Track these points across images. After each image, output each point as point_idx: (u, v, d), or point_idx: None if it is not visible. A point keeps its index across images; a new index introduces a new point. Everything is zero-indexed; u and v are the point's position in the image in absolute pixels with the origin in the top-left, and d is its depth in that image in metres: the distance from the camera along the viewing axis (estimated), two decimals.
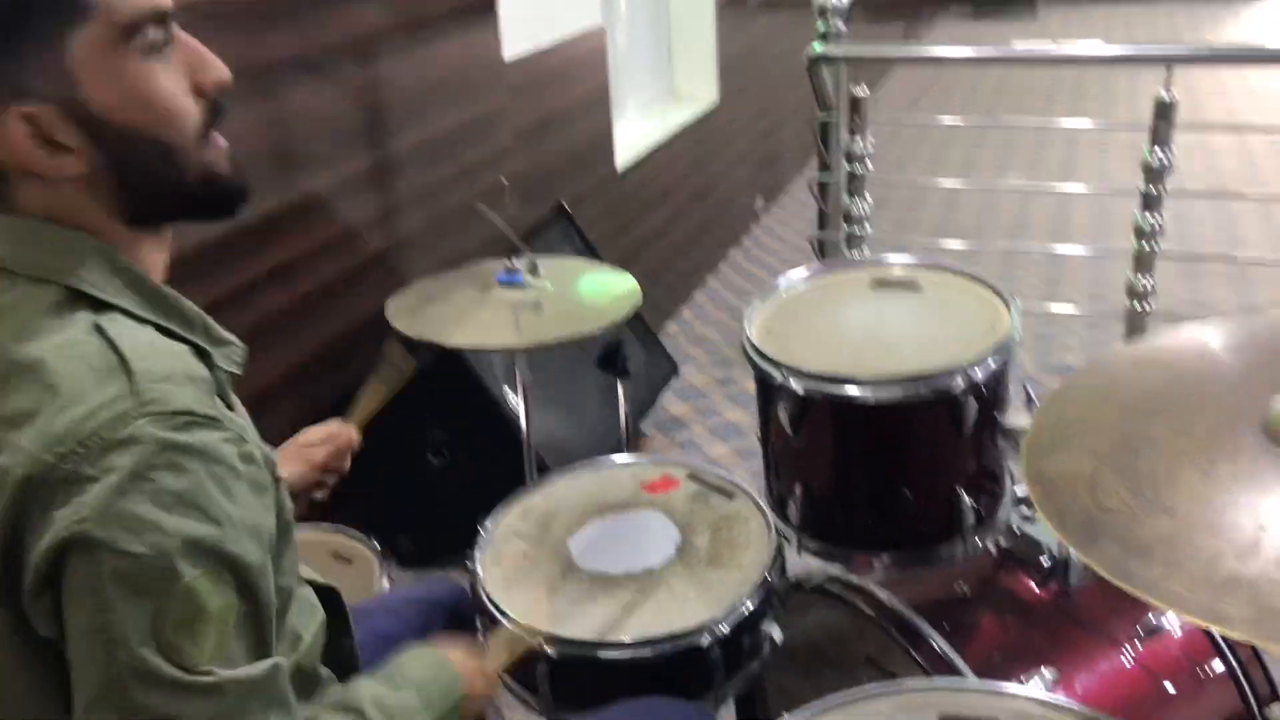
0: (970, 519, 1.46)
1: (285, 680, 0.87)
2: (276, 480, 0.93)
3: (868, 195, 3.16)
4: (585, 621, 1.39)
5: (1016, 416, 1.47)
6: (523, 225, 3.10)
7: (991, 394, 1.43)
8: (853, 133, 3.10)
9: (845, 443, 1.48)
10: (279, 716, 0.85)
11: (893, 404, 1.39)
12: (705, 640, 1.36)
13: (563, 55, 3.47)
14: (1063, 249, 4.49)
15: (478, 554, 1.52)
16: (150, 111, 0.86)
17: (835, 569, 1.55)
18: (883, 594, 1.48)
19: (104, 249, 0.88)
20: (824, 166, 3.40)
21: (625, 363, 1.75)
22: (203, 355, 0.90)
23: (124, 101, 0.84)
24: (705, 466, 1.66)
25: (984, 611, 1.52)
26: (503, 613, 1.41)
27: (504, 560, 1.52)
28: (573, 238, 2.90)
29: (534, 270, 1.73)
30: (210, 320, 0.94)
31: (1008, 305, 1.50)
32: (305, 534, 2.15)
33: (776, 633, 1.44)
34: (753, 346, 1.48)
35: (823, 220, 3.50)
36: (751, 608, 1.40)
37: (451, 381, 2.30)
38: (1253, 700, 1.43)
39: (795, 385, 1.41)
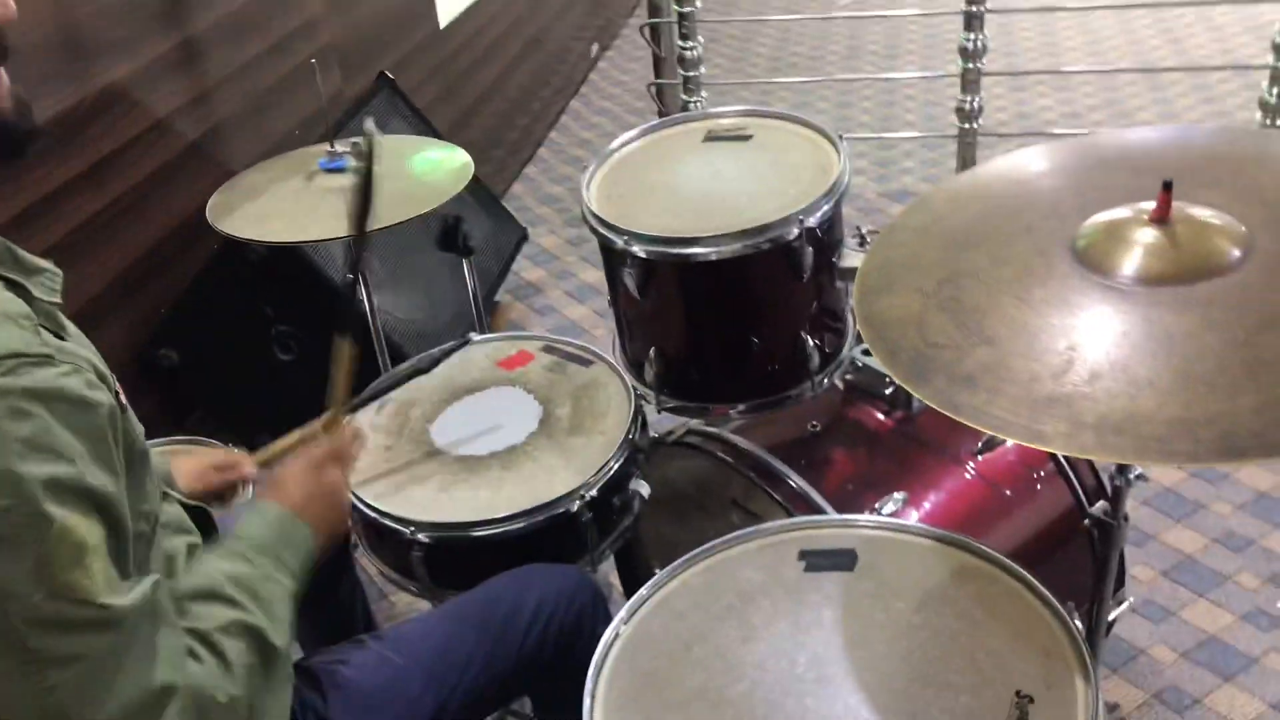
0: (816, 360, 1.51)
1: (167, 598, 0.88)
2: (123, 407, 0.91)
3: (700, 37, 3.12)
4: (454, 505, 1.41)
5: (852, 257, 1.51)
6: (346, 100, 2.96)
7: (826, 237, 1.46)
8: None
9: (692, 302, 1.50)
10: (168, 633, 0.85)
11: (733, 259, 1.40)
12: (575, 505, 1.39)
13: None
14: (894, 75, 4.55)
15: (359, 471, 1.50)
16: None
17: (695, 422, 1.60)
18: (740, 439, 1.53)
19: None
20: (654, 10, 3.34)
21: (467, 240, 1.71)
22: (16, 288, 0.85)
23: None
24: (558, 338, 1.67)
25: (835, 445, 1.59)
26: (374, 509, 1.41)
27: (366, 456, 1.51)
28: (399, 108, 2.78)
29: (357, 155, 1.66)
30: (18, 249, 0.89)
31: (836, 148, 1.52)
32: (167, 448, 2.09)
33: (644, 489, 1.49)
34: (593, 214, 1.47)
35: (658, 66, 3.46)
36: (616, 469, 1.44)
37: (290, 273, 2.22)
38: (1082, 495, 1.55)
39: (638, 250, 1.42)
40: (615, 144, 1.60)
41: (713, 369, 1.55)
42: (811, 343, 1.50)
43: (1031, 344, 1.00)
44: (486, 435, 1.52)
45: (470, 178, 1.69)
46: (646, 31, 3.34)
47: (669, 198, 1.50)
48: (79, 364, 0.83)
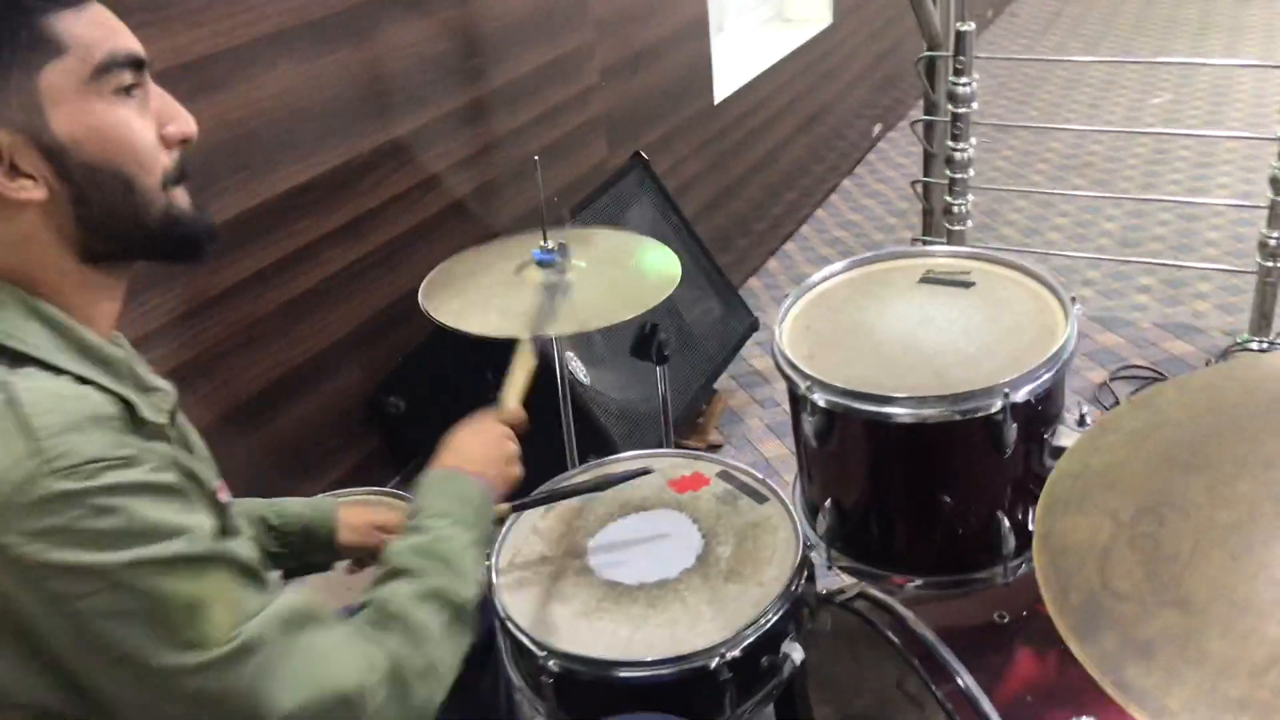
0: (1011, 543, 1.35)
1: (310, 604, 0.92)
2: (225, 506, 0.95)
3: (973, 139, 2.95)
4: (592, 636, 1.35)
5: (1067, 436, 1.34)
6: (605, 170, 3.02)
7: (1039, 411, 1.30)
8: (958, 71, 2.87)
9: (876, 460, 1.38)
10: (321, 634, 0.91)
11: (925, 424, 1.27)
12: (714, 663, 1.30)
13: None
14: (1191, 200, 4.12)
15: (496, 549, 1.49)
16: (114, 147, 0.87)
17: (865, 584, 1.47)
18: (911, 616, 1.39)
19: (24, 297, 0.86)
20: (929, 106, 3.19)
21: (662, 350, 1.66)
22: (127, 406, 0.87)
23: (89, 135, 0.85)
24: (736, 465, 1.58)
25: (1021, 644, 1.41)
26: (514, 623, 1.38)
27: (519, 560, 1.49)
28: (648, 189, 2.79)
29: (564, 252, 1.65)
30: (141, 368, 0.92)
31: (1066, 310, 1.36)
32: (366, 496, 2.17)
33: (797, 653, 1.37)
34: (780, 353, 1.38)
35: (927, 163, 3.30)
36: (766, 628, 1.34)
37: (511, 344, 2.25)
38: None
39: (819, 398, 1.31)
40: (820, 275, 1.51)
41: (892, 533, 1.42)
42: (1008, 523, 1.34)
43: (1236, 620, 0.83)
44: (641, 562, 1.46)
45: (674, 284, 1.64)
46: (919, 128, 3.20)
47: (867, 343, 1.38)
48: (173, 458, 0.87)
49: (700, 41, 3.63)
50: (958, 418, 1.26)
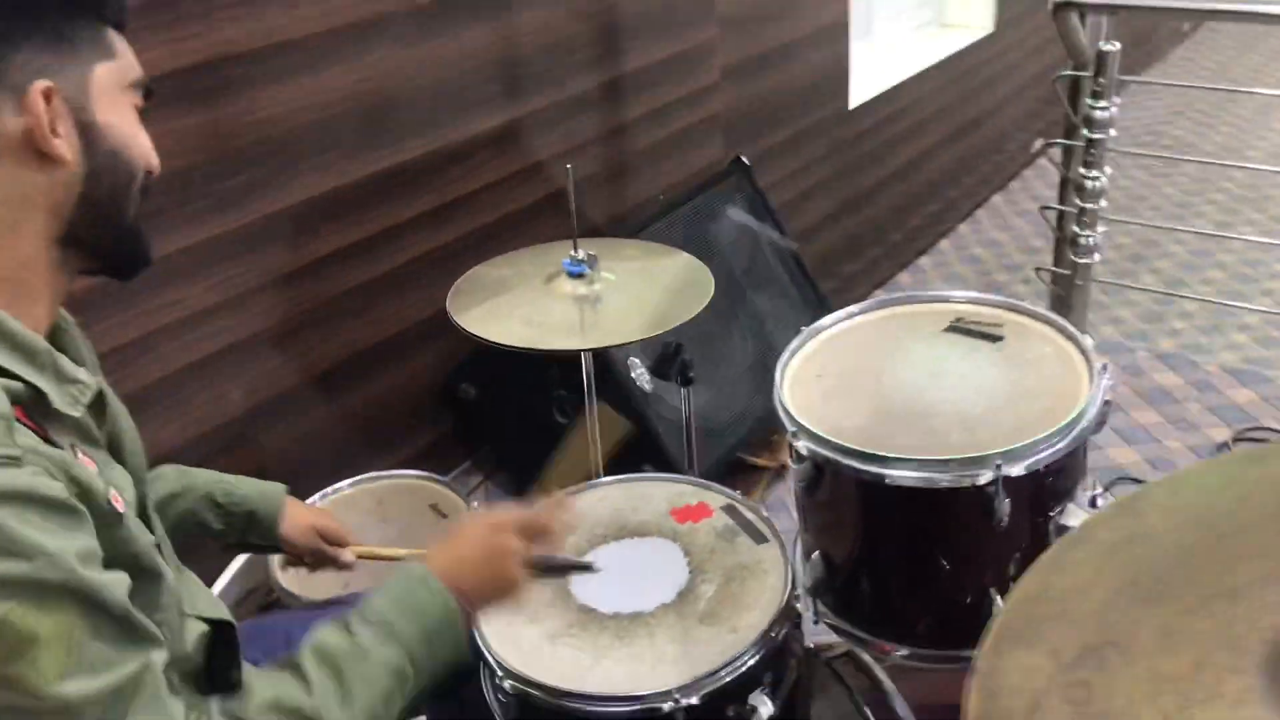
0: None
1: (159, 678, 0.87)
2: (116, 515, 0.92)
3: (1107, 168, 2.73)
4: (553, 662, 1.33)
5: (1076, 515, 1.22)
6: (705, 172, 2.94)
7: (1043, 486, 1.19)
8: (1096, 94, 2.67)
9: (863, 517, 1.30)
10: (151, 712, 0.85)
11: (909, 488, 1.18)
12: (667, 706, 1.25)
13: None
14: None
15: None
16: (131, 145, 0.97)
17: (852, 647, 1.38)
18: (890, 685, 1.30)
19: None
20: (1068, 129, 2.98)
21: (686, 371, 1.60)
22: (34, 390, 0.89)
23: (117, 128, 0.96)
24: (744, 501, 1.51)
25: None
26: (482, 636, 1.36)
27: None
28: (746, 194, 2.71)
29: (593, 264, 1.62)
30: (62, 359, 0.93)
31: (1092, 377, 1.23)
32: (410, 482, 2.20)
33: (765, 708, 1.31)
34: (778, 398, 1.31)
35: (1063, 189, 3.09)
36: (731, 679, 1.28)
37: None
38: None
39: (802, 446, 1.24)
40: (835, 317, 1.42)
41: (881, 596, 1.33)
42: (1000, 601, 1.23)
43: None
44: (622, 590, 1.41)
45: (705, 302, 1.57)
46: (1055, 152, 2.99)
47: (870, 393, 1.30)
48: (61, 464, 0.84)
49: (838, 45, 3.51)
50: (945, 485, 1.16)
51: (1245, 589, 0.83)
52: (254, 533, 1.34)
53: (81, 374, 0.94)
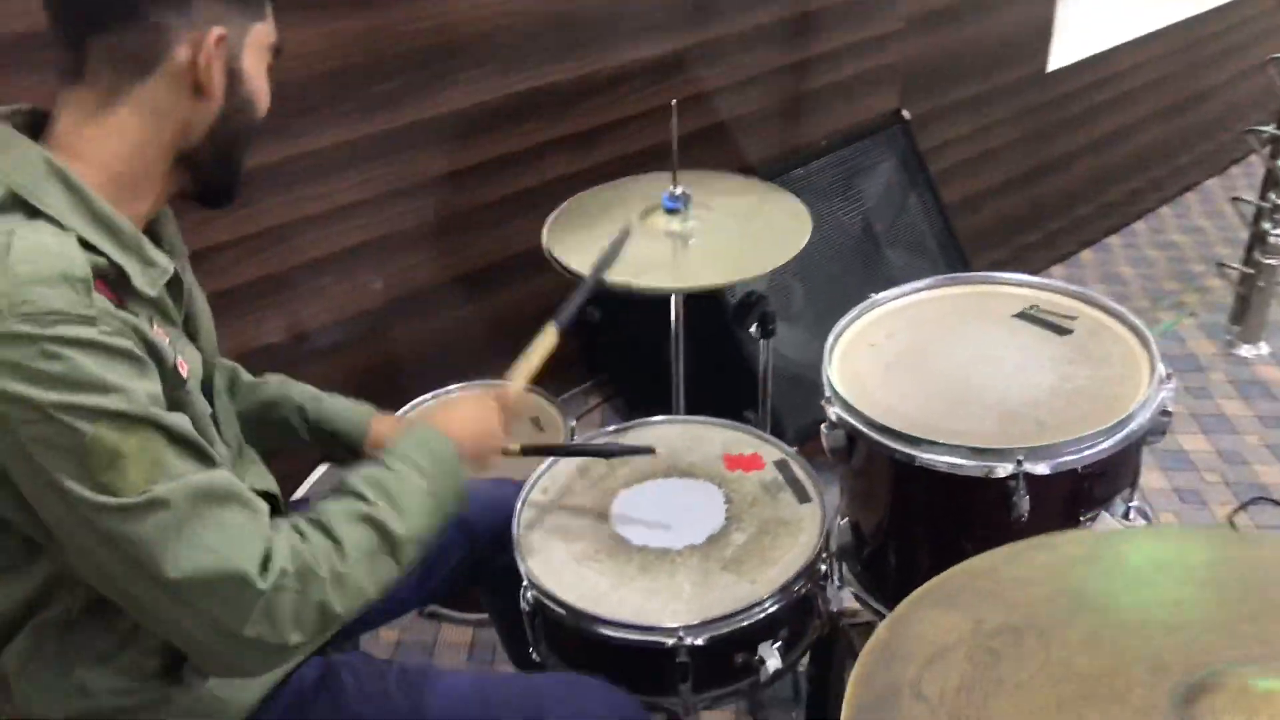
0: None
1: (238, 486, 1.01)
2: (182, 380, 1.05)
3: None
4: (574, 581, 1.38)
5: (1108, 522, 1.16)
6: (861, 125, 2.84)
7: (1076, 488, 1.14)
8: None
9: (891, 493, 1.28)
10: (235, 512, 0.99)
11: (936, 472, 1.16)
12: (670, 642, 1.29)
13: None
14: None
15: (536, 476, 1.54)
16: (260, 97, 1.11)
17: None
18: None
19: (58, 167, 0.99)
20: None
21: (767, 322, 1.59)
22: (122, 274, 1.00)
23: (254, 80, 1.10)
24: (800, 460, 1.51)
25: None
26: (518, 544, 1.43)
27: (552, 490, 1.53)
28: (899, 150, 2.63)
29: (685, 201, 1.62)
30: (146, 244, 1.04)
31: (1152, 384, 1.17)
32: (528, 393, 2.29)
33: (775, 661, 1.33)
34: (825, 359, 1.30)
35: (1266, 183, 2.85)
36: (739, 626, 1.30)
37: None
38: None
39: (833, 415, 1.23)
40: (905, 289, 1.38)
41: (902, 574, 1.31)
42: None
43: None
44: (657, 526, 1.45)
45: (793, 253, 1.55)
46: (1258, 139, 2.75)
47: (919, 370, 1.27)
48: (134, 326, 0.97)
49: (1043, 2, 3.30)
50: (968, 473, 1.13)
51: (1191, 631, 0.79)
52: (338, 448, 1.45)
53: (162, 259, 1.06)
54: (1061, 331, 1.27)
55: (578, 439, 1.82)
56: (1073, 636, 0.81)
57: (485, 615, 2.20)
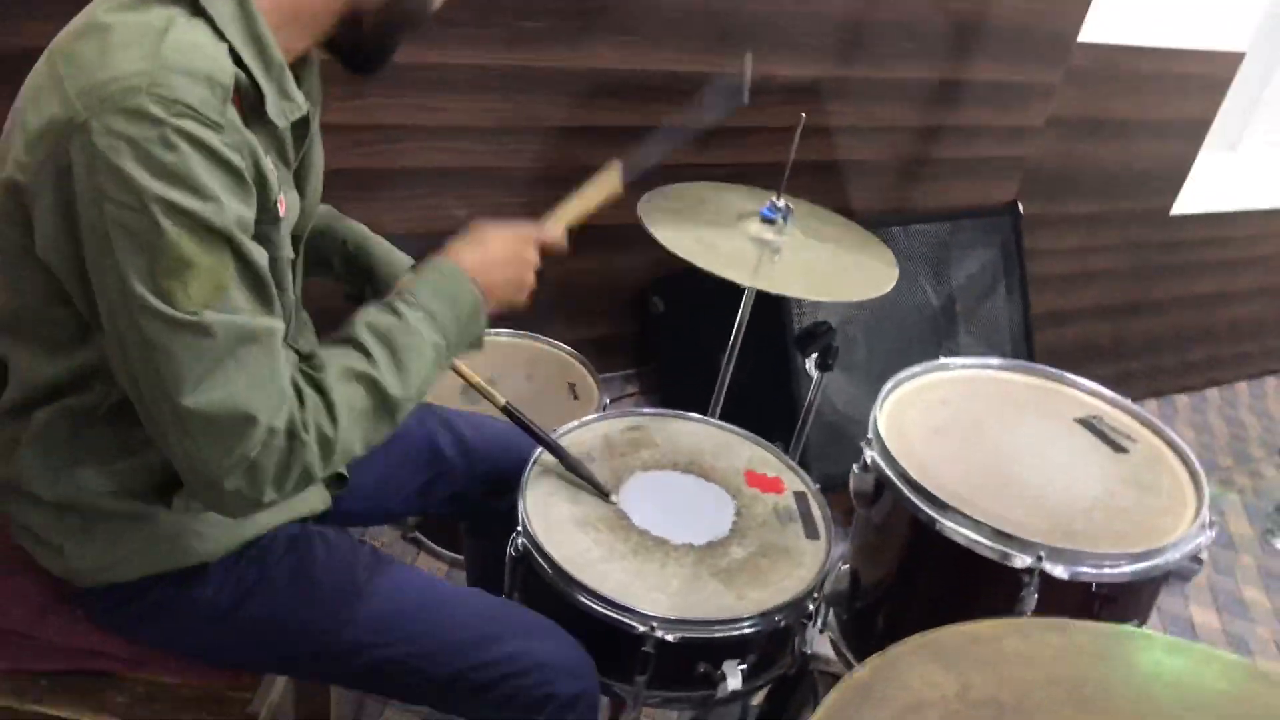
0: None
1: (278, 341, 1.01)
2: (277, 218, 1.06)
3: None
4: (568, 544, 1.37)
5: None
6: (964, 196, 2.80)
7: (1084, 602, 1.12)
8: None
9: (900, 550, 1.26)
10: (266, 362, 0.98)
11: (954, 543, 1.14)
12: (639, 629, 1.28)
13: (1163, 64, 3.01)
14: None
15: (561, 430, 1.54)
16: None
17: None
18: None
19: None
20: None
21: (828, 355, 1.57)
22: (259, 97, 1.01)
23: None
24: (818, 496, 1.49)
25: None
26: (524, 492, 1.42)
27: (573, 451, 1.52)
28: (1006, 240, 2.60)
29: (787, 215, 1.61)
30: (289, 79, 1.05)
31: (1195, 524, 1.14)
32: (564, 356, 2.30)
33: (735, 681, 1.31)
34: (876, 403, 1.28)
35: None
36: (708, 635, 1.29)
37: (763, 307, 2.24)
38: None
39: (869, 458, 1.22)
40: (974, 360, 1.36)
41: (887, 635, 1.29)
42: None
43: None
44: (662, 514, 1.44)
45: (881, 293, 1.53)
46: None
47: (965, 440, 1.25)
48: (250, 148, 0.98)
49: (1188, 143, 3.26)
50: (986, 554, 1.11)
51: None
52: (369, 288, 1.42)
53: (299, 96, 1.07)
54: (1118, 449, 1.24)
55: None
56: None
57: (460, 558, 2.20)
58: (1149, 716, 0.79)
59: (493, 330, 2.15)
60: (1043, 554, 1.08)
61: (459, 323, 1.16)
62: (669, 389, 2.66)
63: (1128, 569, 1.09)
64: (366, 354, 1.09)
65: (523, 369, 2.26)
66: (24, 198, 0.98)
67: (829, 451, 2.26)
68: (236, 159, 0.96)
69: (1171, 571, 1.10)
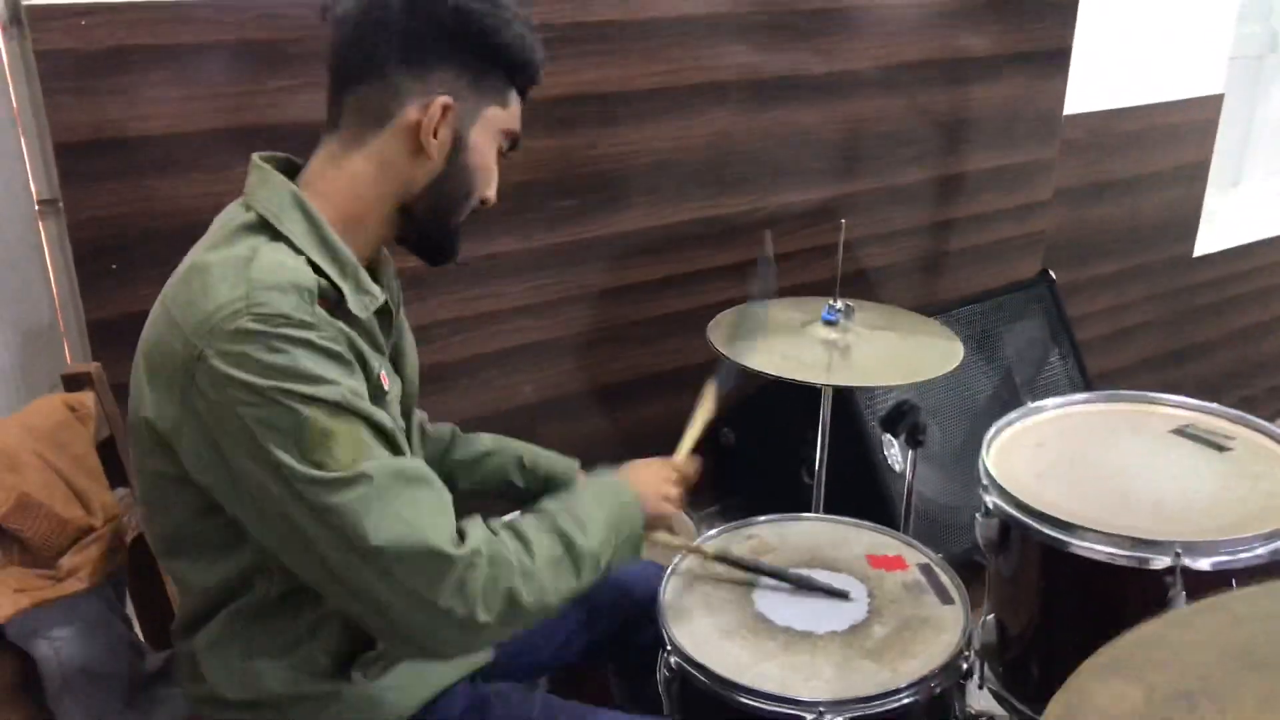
0: None
1: (433, 476, 1.12)
2: (383, 391, 1.18)
3: None
4: (719, 654, 1.41)
5: None
6: (1004, 283, 2.91)
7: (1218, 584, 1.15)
8: None
9: (1038, 586, 1.30)
10: (429, 493, 1.09)
11: (1089, 560, 1.19)
12: (810, 717, 1.31)
13: (1149, 120, 3.17)
14: None
15: (679, 558, 1.60)
16: (481, 172, 1.24)
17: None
18: None
19: (301, 200, 1.15)
20: None
21: (917, 432, 1.64)
22: (340, 294, 1.14)
23: (478, 154, 1.23)
24: (946, 565, 1.54)
25: None
26: (664, 622, 1.47)
27: (699, 570, 1.58)
28: (1046, 310, 2.69)
29: (848, 313, 1.72)
30: (364, 274, 1.18)
31: None
32: None
33: None
34: (983, 451, 1.35)
35: None
36: (877, 711, 1.32)
37: (839, 409, 2.32)
38: None
39: (990, 503, 1.28)
40: (1060, 400, 1.43)
41: (1046, 673, 1.32)
42: None
43: None
44: (799, 610, 1.49)
45: (948, 370, 1.62)
46: None
47: (1075, 469, 1.32)
48: (349, 339, 1.11)
49: (1192, 187, 3.39)
50: (1123, 563, 1.16)
51: None
52: (550, 494, 1.54)
53: (375, 289, 1.20)
54: (1221, 449, 1.30)
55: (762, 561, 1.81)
56: (1245, 699, 0.82)
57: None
58: None
59: None
60: (1179, 550, 1.12)
61: (622, 515, 1.27)
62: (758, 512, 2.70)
63: (1263, 550, 1.13)
64: (553, 516, 1.20)
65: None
66: (165, 437, 1.10)
67: (927, 537, 2.30)
68: (335, 346, 1.08)
69: None
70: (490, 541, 1.11)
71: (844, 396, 2.32)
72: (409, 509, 1.07)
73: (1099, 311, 3.28)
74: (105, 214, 1.77)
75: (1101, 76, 2.99)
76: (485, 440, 1.58)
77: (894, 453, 2.31)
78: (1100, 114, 3.03)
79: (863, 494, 2.34)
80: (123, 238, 1.79)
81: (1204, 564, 1.12)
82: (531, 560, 1.13)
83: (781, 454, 2.53)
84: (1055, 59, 2.89)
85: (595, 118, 2.27)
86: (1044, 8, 2.81)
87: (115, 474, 1.38)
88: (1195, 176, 3.38)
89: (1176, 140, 3.27)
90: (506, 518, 1.20)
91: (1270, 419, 3.80)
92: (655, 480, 1.38)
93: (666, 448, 2.64)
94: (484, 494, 1.51)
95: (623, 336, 2.49)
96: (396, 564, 1.05)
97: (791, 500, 2.50)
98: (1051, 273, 2.79)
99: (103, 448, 1.36)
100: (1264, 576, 1.13)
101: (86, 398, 1.33)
